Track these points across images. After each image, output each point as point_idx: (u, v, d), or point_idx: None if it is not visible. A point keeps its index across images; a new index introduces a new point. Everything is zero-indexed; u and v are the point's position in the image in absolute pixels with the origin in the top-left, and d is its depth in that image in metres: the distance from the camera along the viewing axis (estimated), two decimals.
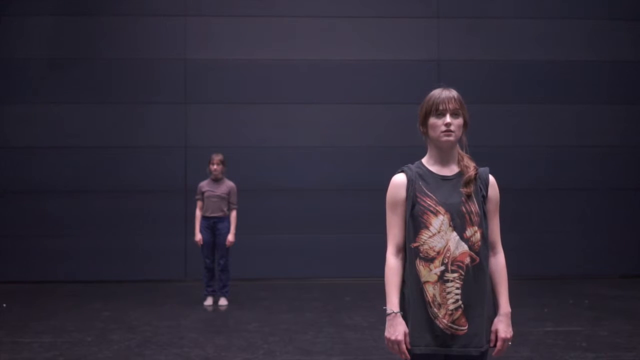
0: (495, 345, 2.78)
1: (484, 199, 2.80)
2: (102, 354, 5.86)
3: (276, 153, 10.66)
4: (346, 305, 8.35)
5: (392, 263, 2.78)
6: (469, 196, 2.75)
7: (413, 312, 2.74)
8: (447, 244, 2.71)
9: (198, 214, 8.42)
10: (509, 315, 2.81)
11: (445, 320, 2.70)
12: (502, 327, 2.77)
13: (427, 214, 2.73)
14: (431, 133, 2.79)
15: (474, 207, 2.75)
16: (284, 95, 10.70)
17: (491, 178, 2.84)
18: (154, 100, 10.60)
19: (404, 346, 2.73)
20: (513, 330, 2.83)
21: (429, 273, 2.72)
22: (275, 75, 10.70)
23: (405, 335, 2.73)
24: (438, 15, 10.88)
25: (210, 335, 6.66)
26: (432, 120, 2.77)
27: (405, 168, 2.85)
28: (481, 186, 2.80)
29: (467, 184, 2.76)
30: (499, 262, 2.85)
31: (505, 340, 2.77)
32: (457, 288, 2.70)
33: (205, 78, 10.63)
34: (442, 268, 2.70)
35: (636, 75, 10.97)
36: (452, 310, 2.70)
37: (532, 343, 6.14)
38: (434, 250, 2.71)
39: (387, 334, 2.75)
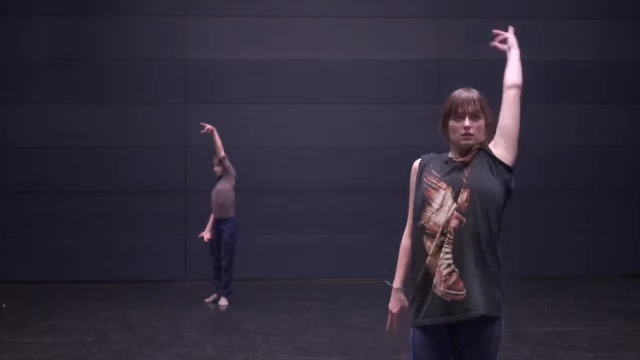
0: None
1: (493, 165, 2.77)
2: (102, 354, 5.86)
3: (276, 153, 10.65)
4: (346, 305, 8.35)
5: (404, 243, 2.93)
6: (469, 167, 2.75)
7: (419, 288, 2.78)
8: (447, 216, 2.73)
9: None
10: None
11: (442, 287, 2.69)
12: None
13: (429, 191, 2.77)
14: (451, 135, 2.82)
15: (474, 174, 2.73)
16: (284, 95, 10.69)
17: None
18: (154, 100, 10.59)
19: (394, 318, 2.91)
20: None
21: (431, 246, 2.73)
22: (275, 75, 10.69)
23: (401, 309, 2.90)
24: (438, 16, 10.88)
25: (210, 335, 6.67)
26: (452, 123, 2.81)
27: (425, 155, 2.93)
28: (487, 157, 2.79)
29: (465, 153, 2.79)
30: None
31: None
32: (448, 252, 2.70)
33: (205, 78, 10.62)
34: (442, 238, 2.72)
35: (636, 75, 10.96)
36: (445, 275, 2.69)
37: (532, 343, 6.13)
38: (437, 225, 2.73)
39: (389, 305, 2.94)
